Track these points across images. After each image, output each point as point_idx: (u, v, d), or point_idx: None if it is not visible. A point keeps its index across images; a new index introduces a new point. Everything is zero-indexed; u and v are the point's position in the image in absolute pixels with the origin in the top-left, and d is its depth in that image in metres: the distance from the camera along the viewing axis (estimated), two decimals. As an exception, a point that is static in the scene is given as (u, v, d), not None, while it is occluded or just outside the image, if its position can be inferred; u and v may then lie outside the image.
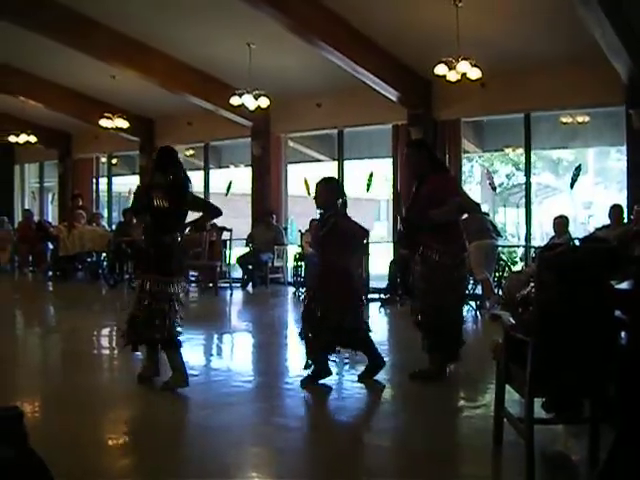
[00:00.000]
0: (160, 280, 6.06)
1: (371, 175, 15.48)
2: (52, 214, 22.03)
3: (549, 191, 26.24)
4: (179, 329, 6.18)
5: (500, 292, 11.22)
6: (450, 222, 6.39)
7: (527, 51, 11.20)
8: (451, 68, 10.01)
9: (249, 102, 12.40)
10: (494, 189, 16.33)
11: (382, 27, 10.99)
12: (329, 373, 6.41)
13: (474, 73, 10.01)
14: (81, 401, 5.88)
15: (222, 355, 8.72)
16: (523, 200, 14.44)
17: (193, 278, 14.92)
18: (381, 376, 6.67)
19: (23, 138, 17.79)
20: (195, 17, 11.35)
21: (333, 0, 10.30)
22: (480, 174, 24.94)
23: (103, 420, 5.38)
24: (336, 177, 6.69)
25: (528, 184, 13.13)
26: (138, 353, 6.60)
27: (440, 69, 10.03)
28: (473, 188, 25.27)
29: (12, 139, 17.97)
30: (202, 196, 14.67)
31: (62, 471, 2.50)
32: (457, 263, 6.46)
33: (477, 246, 11.15)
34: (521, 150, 13.90)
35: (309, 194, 17.43)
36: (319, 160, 17.29)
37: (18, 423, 1.61)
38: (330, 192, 6.46)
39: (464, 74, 10.00)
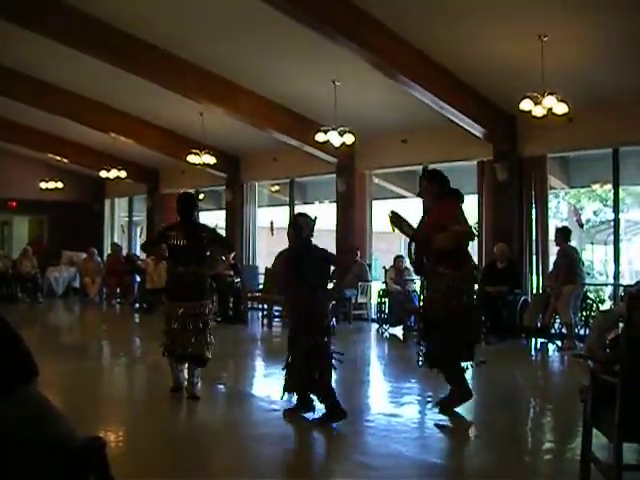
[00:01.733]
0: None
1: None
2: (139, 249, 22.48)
3: (639, 228, 25.61)
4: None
5: (587, 332, 10.99)
6: (457, 248, 6.45)
7: (615, 84, 11.03)
8: (537, 103, 9.88)
9: (334, 139, 12.47)
10: (581, 226, 16.08)
11: (467, 63, 10.96)
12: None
13: (560, 108, 9.86)
14: (163, 432, 5.96)
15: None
16: (611, 237, 14.13)
17: (277, 314, 15.01)
18: (464, 415, 6.57)
19: (114, 173, 18.26)
20: (281, 56, 11.52)
21: (417, 37, 10.31)
22: (567, 211, 24.50)
23: (184, 450, 5.43)
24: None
25: (617, 221, 12.83)
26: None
27: (525, 104, 9.92)
28: (559, 225, 24.87)
29: (103, 174, 18.46)
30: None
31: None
32: (465, 287, 6.56)
33: (571, 290, 11.03)
34: (609, 186, 13.64)
35: (393, 230, 17.48)
36: (404, 196, 17.27)
37: (101, 452, 1.64)
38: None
39: (550, 109, 9.86)
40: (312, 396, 6.46)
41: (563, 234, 11.75)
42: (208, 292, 7.42)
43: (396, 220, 6.89)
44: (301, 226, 6.58)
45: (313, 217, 6.67)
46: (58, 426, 1.60)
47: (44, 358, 8.32)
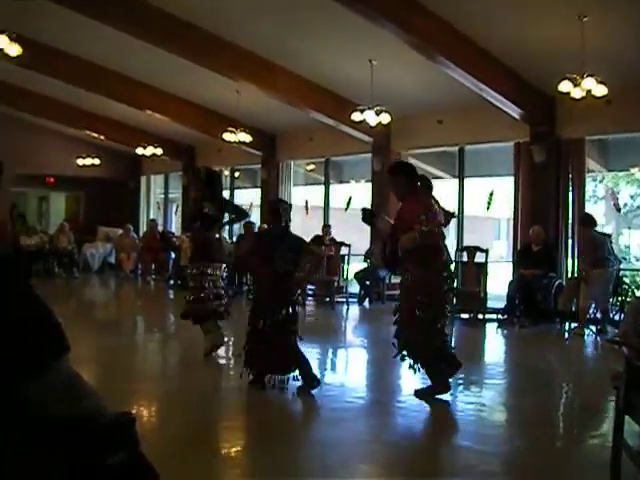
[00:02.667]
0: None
1: (491, 194, 15.29)
2: (175, 224, 22.60)
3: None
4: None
5: (622, 317, 10.88)
6: (424, 246, 6.25)
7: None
8: (576, 85, 9.74)
9: (370, 118, 12.42)
10: (619, 210, 15.90)
11: (505, 43, 10.85)
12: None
13: (599, 90, 9.71)
14: (196, 406, 6.01)
15: (336, 370, 8.75)
16: (649, 222, 13.97)
17: (310, 292, 15.03)
18: (496, 399, 6.56)
19: (150, 150, 18.36)
20: (318, 35, 11.50)
21: (454, 16, 10.20)
22: (604, 194, 24.22)
23: (216, 427, 5.47)
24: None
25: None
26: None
27: (564, 86, 9.79)
28: (596, 208, 24.60)
29: (139, 151, 18.56)
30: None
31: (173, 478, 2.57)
32: (437, 283, 6.43)
33: (599, 274, 10.91)
34: (648, 170, 13.46)
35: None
36: (439, 177, 17.16)
37: (131, 428, 1.65)
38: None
39: (589, 91, 9.72)
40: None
41: (584, 222, 11.62)
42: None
43: (367, 217, 6.94)
44: (280, 212, 6.91)
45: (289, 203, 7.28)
46: (89, 402, 1.61)
47: (79, 333, 8.53)
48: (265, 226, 14.47)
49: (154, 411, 6.18)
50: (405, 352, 6.53)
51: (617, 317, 11.24)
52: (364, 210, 7.03)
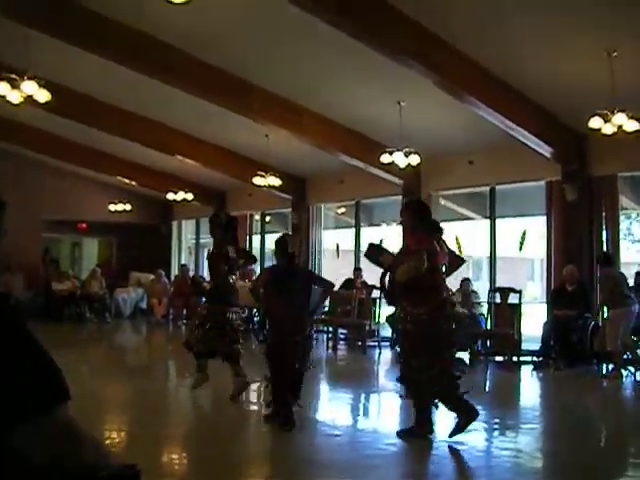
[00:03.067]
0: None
1: (524, 234, 15.14)
2: (206, 270, 22.53)
3: None
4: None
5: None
6: (424, 282, 6.26)
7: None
8: (606, 121, 9.59)
9: (399, 160, 12.34)
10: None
11: (533, 80, 10.73)
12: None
13: (631, 125, 9.55)
14: (224, 455, 5.89)
15: (368, 415, 8.59)
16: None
17: (342, 336, 14.90)
18: (532, 444, 6.38)
19: (181, 196, 18.41)
20: (346, 77, 11.49)
21: (481, 55, 10.13)
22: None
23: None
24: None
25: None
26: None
27: (595, 122, 9.65)
28: (631, 247, 24.28)
29: (170, 196, 18.63)
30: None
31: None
32: (434, 323, 6.35)
33: (616, 315, 10.71)
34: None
35: (460, 252, 17.23)
36: (470, 218, 17.03)
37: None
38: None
39: (620, 126, 9.56)
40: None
41: (603, 259, 11.47)
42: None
43: (373, 252, 7.06)
44: (288, 248, 7.25)
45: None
46: (88, 452, 1.50)
47: (110, 377, 8.51)
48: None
49: (184, 455, 6.06)
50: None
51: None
52: (370, 246, 7.29)
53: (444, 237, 6.81)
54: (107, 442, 6.22)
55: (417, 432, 6.49)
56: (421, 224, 6.55)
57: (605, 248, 12.55)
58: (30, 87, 9.14)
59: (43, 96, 9.39)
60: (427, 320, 6.32)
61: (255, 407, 8.57)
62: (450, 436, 6.37)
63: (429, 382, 6.36)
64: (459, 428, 6.41)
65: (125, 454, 5.75)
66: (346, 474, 5.51)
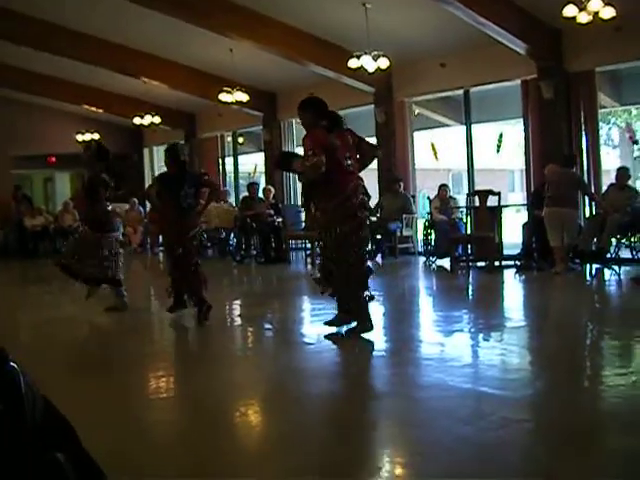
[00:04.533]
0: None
1: (501, 135, 14.79)
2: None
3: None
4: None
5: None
6: (326, 179, 6.30)
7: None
8: (581, 9, 9.19)
9: (368, 64, 11.92)
10: (635, 143, 15.30)
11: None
12: None
13: (607, 12, 9.13)
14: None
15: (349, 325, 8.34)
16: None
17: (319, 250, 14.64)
18: (517, 342, 6.18)
19: (148, 119, 17.93)
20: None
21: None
22: (619, 129, 23.54)
23: (220, 389, 5.09)
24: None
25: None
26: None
27: (569, 10, 9.23)
28: (611, 152, 23.99)
29: (137, 121, 18.14)
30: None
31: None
32: (340, 215, 6.40)
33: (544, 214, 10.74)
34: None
35: (437, 158, 16.93)
36: (446, 125, 16.67)
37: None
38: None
39: (596, 13, 9.14)
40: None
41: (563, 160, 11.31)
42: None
43: (284, 161, 7.33)
44: (178, 155, 7.84)
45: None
46: None
47: (89, 303, 8.38)
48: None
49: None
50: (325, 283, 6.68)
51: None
52: (281, 154, 7.87)
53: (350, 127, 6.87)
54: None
55: (338, 321, 6.72)
56: (318, 120, 6.47)
57: (585, 147, 12.27)
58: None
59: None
60: (333, 212, 6.38)
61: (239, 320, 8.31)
62: (326, 336, 6.55)
63: (338, 275, 6.49)
64: (350, 332, 6.54)
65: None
66: (325, 379, 5.27)
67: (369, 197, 6.90)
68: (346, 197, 6.39)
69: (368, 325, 6.49)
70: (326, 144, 6.28)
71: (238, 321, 8.59)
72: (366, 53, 11.87)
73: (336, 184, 6.37)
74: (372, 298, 6.66)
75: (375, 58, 11.90)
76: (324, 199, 6.45)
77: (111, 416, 4.40)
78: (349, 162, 6.50)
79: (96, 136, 20.52)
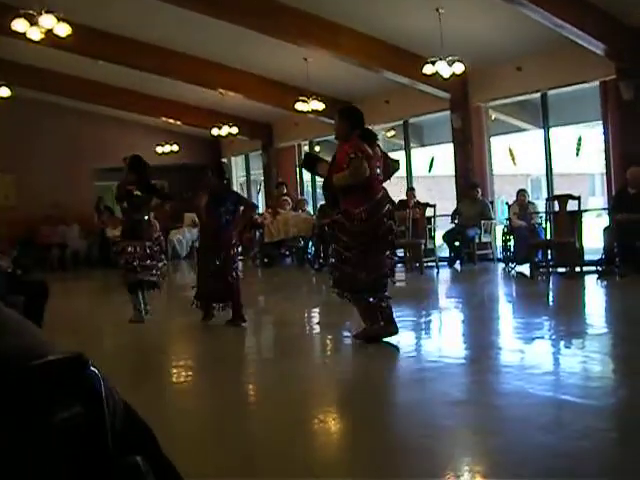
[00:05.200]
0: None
1: (580, 139, 14.54)
2: (260, 204, 22.44)
3: None
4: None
5: None
6: (359, 185, 6.51)
7: None
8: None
9: (443, 69, 11.87)
10: None
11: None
12: None
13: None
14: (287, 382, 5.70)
15: (426, 333, 8.30)
16: None
17: (398, 257, 14.61)
18: (599, 350, 6.08)
19: (225, 130, 18.17)
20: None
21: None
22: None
23: (299, 396, 5.13)
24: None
25: None
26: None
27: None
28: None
29: (215, 132, 18.41)
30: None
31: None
32: (371, 224, 6.58)
33: None
34: None
35: (515, 164, 16.74)
36: (523, 129, 16.47)
37: (84, 370, 1.25)
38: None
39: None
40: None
41: None
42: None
43: (309, 162, 7.53)
44: (223, 171, 8.71)
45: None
46: (18, 340, 1.22)
47: (172, 312, 8.66)
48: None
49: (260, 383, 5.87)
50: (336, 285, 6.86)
51: None
52: (306, 155, 7.94)
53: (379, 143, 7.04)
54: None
55: (374, 333, 6.73)
56: (351, 132, 6.68)
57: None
58: (48, 21, 8.90)
59: (63, 29, 9.14)
60: (365, 219, 6.53)
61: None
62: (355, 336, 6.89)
63: (357, 279, 6.62)
64: (358, 336, 6.83)
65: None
66: (394, 387, 5.28)
67: (395, 206, 7.11)
68: (376, 203, 6.62)
69: (375, 328, 6.71)
70: (366, 152, 6.53)
71: (317, 329, 8.65)
72: (441, 59, 11.81)
73: (368, 191, 6.59)
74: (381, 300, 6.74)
75: (450, 63, 11.83)
76: (352, 204, 6.57)
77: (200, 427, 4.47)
78: (379, 171, 6.74)
79: (175, 148, 20.92)
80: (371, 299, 6.66)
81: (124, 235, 8.96)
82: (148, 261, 8.76)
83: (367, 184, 6.55)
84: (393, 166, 7.27)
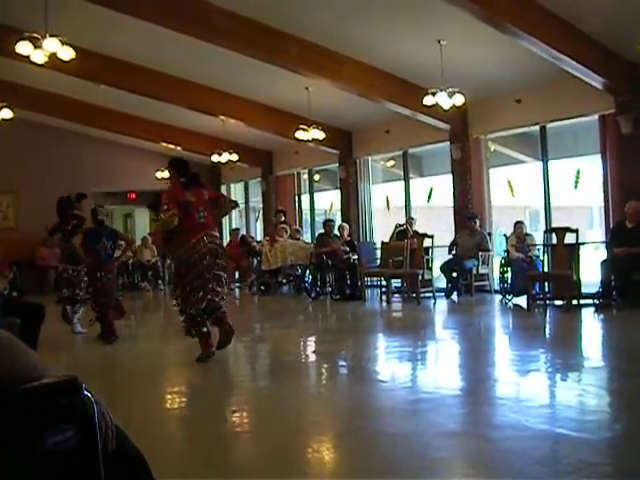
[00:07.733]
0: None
1: (578, 172, 14.58)
2: (258, 232, 22.46)
3: None
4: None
5: None
6: (179, 229, 7.44)
7: None
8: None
9: (443, 101, 11.93)
10: None
11: (580, 7, 10.20)
12: None
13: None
14: (283, 405, 5.67)
15: (422, 363, 8.28)
16: None
17: (395, 288, 14.60)
18: (595, 383, 6.06)
19: (225, 157, 18.21)
20: (382, 19, 11.06)
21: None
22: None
23: (294, 425, 5.11)
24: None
25: None
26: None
27: (647, 43, 9.12)
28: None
29: (215, 158, 18.46)
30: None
31: None
32: (190, 259, 7.47)
33: None
34: None
35: (513, 195, 16.78)
36: (522, 162, 16.51)
37: (78, 393, 1.26)
38: None
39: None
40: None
41: None
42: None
43: (154, 204, 8.09)
44: (97, 214, 10.03)
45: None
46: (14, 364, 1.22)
47: (168, 338, 8.61)
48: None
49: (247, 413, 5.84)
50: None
51: None
52: (153, 201, 8.51)
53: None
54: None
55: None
56: (178, 178, 7.71)
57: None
58: (52, 44, 9.00)
59: (67, 53, 9.27)
60: (186, 258, 7.46)
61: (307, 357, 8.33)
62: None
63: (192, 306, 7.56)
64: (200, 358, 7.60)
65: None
66: (387, 419, 5.25)
67: (221, 247, 7.84)
68: (191, 246, 7.42)
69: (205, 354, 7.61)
70: (181, 200, 7.41)
71: (313, 357, 8.61)
72: (441, 90, 11.87)
73: (187, 233, 7.44)
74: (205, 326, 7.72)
75: (450, 95, 11.89)
76: (180, 245, 7.49)
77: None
78: (202, 214, 7.53)
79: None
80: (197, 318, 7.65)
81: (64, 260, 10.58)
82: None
83: (185, 229, 7.43)
84: (229, 205, 8.43)
